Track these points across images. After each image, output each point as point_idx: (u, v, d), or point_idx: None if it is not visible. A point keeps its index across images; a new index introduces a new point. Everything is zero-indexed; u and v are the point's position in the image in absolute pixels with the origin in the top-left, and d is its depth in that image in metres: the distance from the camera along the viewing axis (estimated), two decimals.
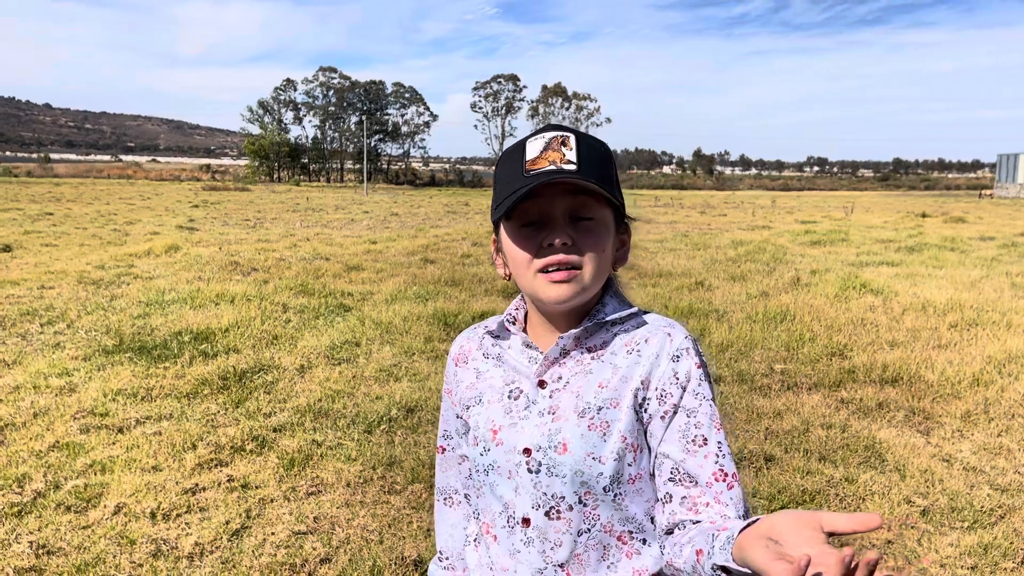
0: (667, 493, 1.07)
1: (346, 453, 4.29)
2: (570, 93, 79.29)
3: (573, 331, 1.12)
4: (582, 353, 1.14)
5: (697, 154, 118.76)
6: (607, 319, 1.12)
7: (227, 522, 3.44)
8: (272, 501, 3.70)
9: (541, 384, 1.15)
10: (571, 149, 1.07)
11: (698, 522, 1.04)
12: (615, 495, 1.09)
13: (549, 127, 1.11)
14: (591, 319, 1.12)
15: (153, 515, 3.50)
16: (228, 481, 3.90)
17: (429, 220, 28.08)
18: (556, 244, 1.06)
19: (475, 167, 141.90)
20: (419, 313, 7.73)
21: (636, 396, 1.09)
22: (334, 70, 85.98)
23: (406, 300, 8.68)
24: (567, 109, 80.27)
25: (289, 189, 61.61)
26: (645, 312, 1.17)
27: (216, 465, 4.13)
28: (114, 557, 3.11)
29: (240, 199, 41.87)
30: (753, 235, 18.99)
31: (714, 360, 6.07)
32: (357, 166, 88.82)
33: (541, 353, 1.16)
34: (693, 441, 1.05)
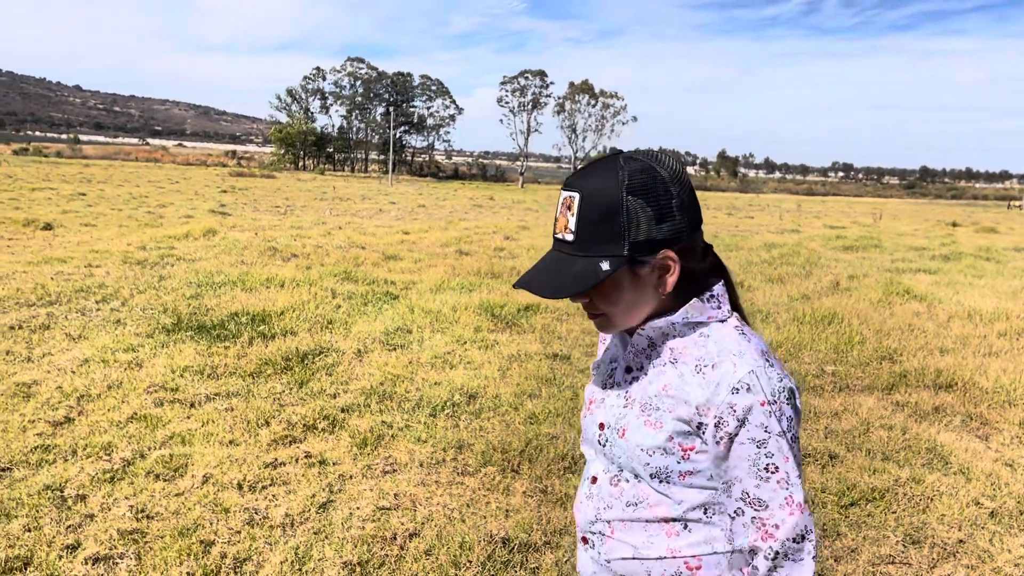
0: (738, 509, 1.18)
1: (415, 435, 4.40)
2: (597, 91, 79.10)
3: (651, 324, 1.22)
4: (665, 349, 1.23)
5: (722, 155, 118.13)
6: (678, 320, 1.20)
7: (312, 495, 3.56)
8: (351, 477, 3.81)
9: (628, 370, 1.29)
10: (573, 214, 1.16)
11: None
12: (661, 482, 1.20)
13: (570, 180, 1.19)
14: (664, 319, 1.21)
15: (240, 486, 3.63)
16: (306, 457, 4.02)
17: (456, 213, 28.18)
18: (577, 303, 1.24)
19: (497, 161, 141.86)
20: (466, 303, 7.83)
21: (694, 414, 1.16)
22: (362, 60, 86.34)
23: (451, 290, 8.79)
24: (593, 107, 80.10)
25: (314, 178, 61.96)
26: (724, 321, 1.21)
27: (291, 442, 4.25)
28: (211, 524, 3.24)
29: (267, 186, 42.20)
30: (783, 238, 18.96)
31: None
32: (381, 157, 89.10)
33: (630, 339, 1.29)
34: (766, 469, 1.13)
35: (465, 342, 6.57)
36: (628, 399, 1.26)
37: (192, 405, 4.78)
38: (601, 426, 1.29)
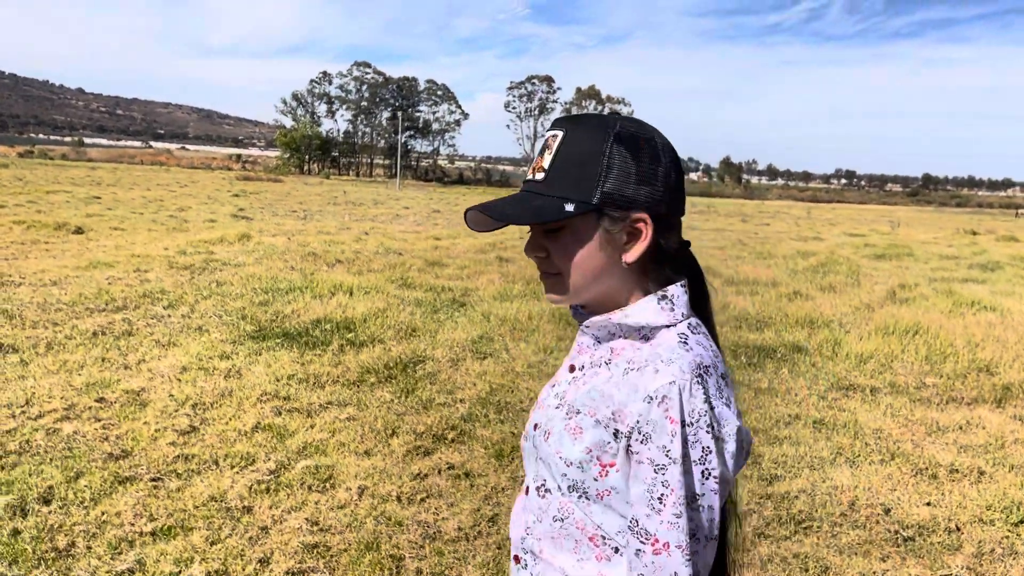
0: (627, 538, 1.05)
1: None
2: (603, 96, 79.24)
3: (590, 321, 1.12)
4: (606, 349, 1.12)
5: (726, 162, 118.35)
6: (616, 320, 1.08)
7: (477, 509, 3.53)
8: (503, 490, 3.78)
9: (571, 368, 1.18)
10: (551, 151, 1.06)
11: None
12: (580, 498, 1.09)
13: (558, 121, 1.10)
14: (605, 316, 1.10)
15: (399, 498, 3.60)
16: (448, 469, 3.99)
17: None
18: (528, 255, 1.11)
19: (501, 166, 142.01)
20: (538, 311, 7.82)
21: (610, 420, 1.04)
22: (368, 65, 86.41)
23: (516, 298, 8.77)
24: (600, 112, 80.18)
25: (321, 182, 61.91)
26: (671, 327, 1.07)
27: (425, 453, 4.22)
28: (389, 538, 3.21)
29: (277, 190, 42.15)
30: (810, 246, 18.95)
31: (857, 370, 6.11)
32: (387, 161, 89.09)
33: (581, 331, 1.18)
34: (660, 499, 0.99)
35: (551, 351, 6.55)
36: (562, 400, 1.14)
37: (309, 414, 4.75)
38: (536, 427, 1.18)
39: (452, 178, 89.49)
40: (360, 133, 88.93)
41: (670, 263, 1.11)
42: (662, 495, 0.98)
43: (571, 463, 1.07)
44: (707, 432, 0.98)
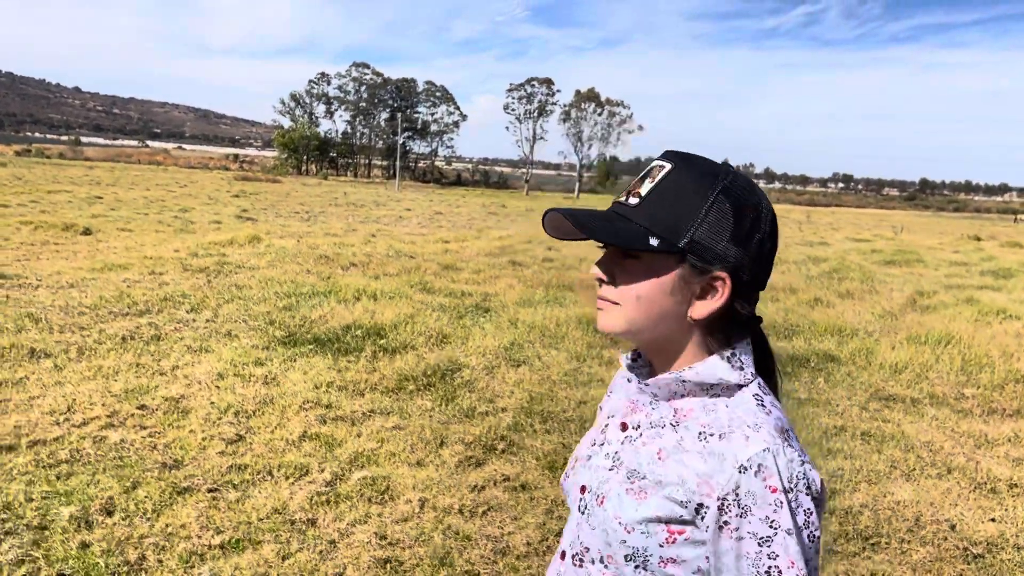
0: None
1: None
2: (603, 99, 79.29)
3: (655, 381, 1.05)
4: (667, 409, 1.05)
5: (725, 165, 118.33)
6: (687, 378, 1.02)
7: (543, 524, 3.49)
8: (563, 503, 3.75)
9: (623, 427, 1.11)
10: (652, 181, 1.02)
11: None
12: (637, 567, 1.01)
13: (669, 152, 1.05)
14: (673, 373, 1.04)
15: (461, 511, 3.57)
16: (504, 480, 3.96)
17: (474, 221, 28.15)
18: (592, 274, 1.06)
19: (497, 168, 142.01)
20: (564, 317, 7.78)
21: (691, 493, 0.97)
22: (367, 66, 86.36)
23: (540, 304, 8.74)
24: (599, 115, 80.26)
25: (319, 183, 61.79)
26: (743, 387, 1.02)
27: (477, 464, 4.18)
28: (460, 552, 3.17)
29: (276, 191, 42.04)
30: (817, 251, 18.96)
31: (892, 380, 6.10)
32: (384, 162, 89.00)
33: (634, 388, 1.12)
34: (767, 572, 0.94)
35: (584, 358, 6.52)
36: (616, 462, 1.07)
37: (353, 423, 4.71)
38: (583, 489, 1.11)
39: (450, 179, 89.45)
40: (358, 134, 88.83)
41: (736, 330, 1.05)
42: (770, 568, 0.93)
43: (632, 528, 1.00)
44: (806, 494, 0.94)
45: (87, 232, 15.20)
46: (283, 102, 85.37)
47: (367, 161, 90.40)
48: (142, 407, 4.77)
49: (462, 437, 4.50)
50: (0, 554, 2.89)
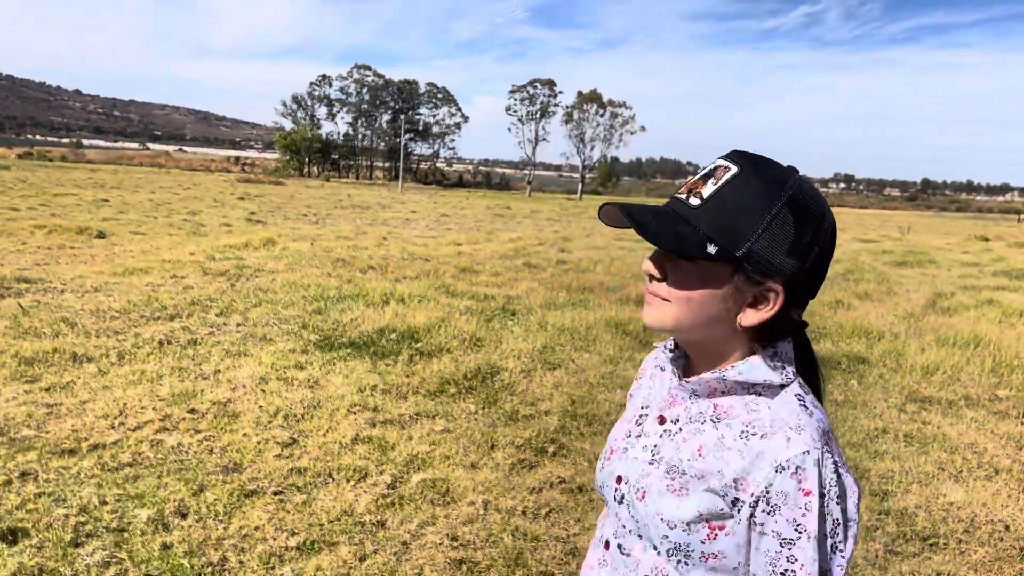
0: None
1: None
2: (605, 100, 79.38)
3: (697, 380, 1.06)
4: (708, 405, 1.06)
5: None
6: (730, 378, 1.03)
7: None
8: None
9: (660, 420, 1.11)
10: (716, 183, 1.00)
11: None
12: (680, 562, 1.03)
13: (735, 154, 1.04)
14: (716, 372, 1.04)
15: (524, 513, 3.62)
16: (561, 483, 4.02)
17: (481, 223, 28.18)
18: (644, 269, 1.06)
19: (497, 169, 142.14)
20: (592, 320, 7.84)
21: (729, 487, 0.99)
22: (369, 68, 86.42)
23: (566, 307, 8.79)
24: (602, 116, 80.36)
25: (322, 184, 61.84)
26: (785, 387, 1.02)
27: (531, 466, 4.24)
28: (532, 552, 3.23)
29: (280, 193, 42.08)
30: None
31: (925, 382, 6.15)
32: (386, 164, 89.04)
33: (674, 382, 1.13)
34: (783, 574, 0.95)
35: (617, 361, 6.58)
36: (656, 456, 1.08)
37: (402, 426, 4.77)
38: (619, 479, 1.12)
39: (452, 181, 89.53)
40: (360, 136, 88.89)
41: (781, 336, 1.05)
42: (786, 571, 0.94)
43: (675, 525, 1.01)
44: (838, 504, 0.94)
45: (101, 236, 15.24)
46: (285, 104, 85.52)
47: (369, 163, 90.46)
48: (192, 411, 4.82)
49: (512, 440, 4.56)
50: (86, 556, 2.95)
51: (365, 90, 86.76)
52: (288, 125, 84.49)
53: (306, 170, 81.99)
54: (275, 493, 3.68)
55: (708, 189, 1.00)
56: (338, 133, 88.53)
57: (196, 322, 7.31)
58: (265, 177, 63.10)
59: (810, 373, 1.09)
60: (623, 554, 1.10)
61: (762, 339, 1.05)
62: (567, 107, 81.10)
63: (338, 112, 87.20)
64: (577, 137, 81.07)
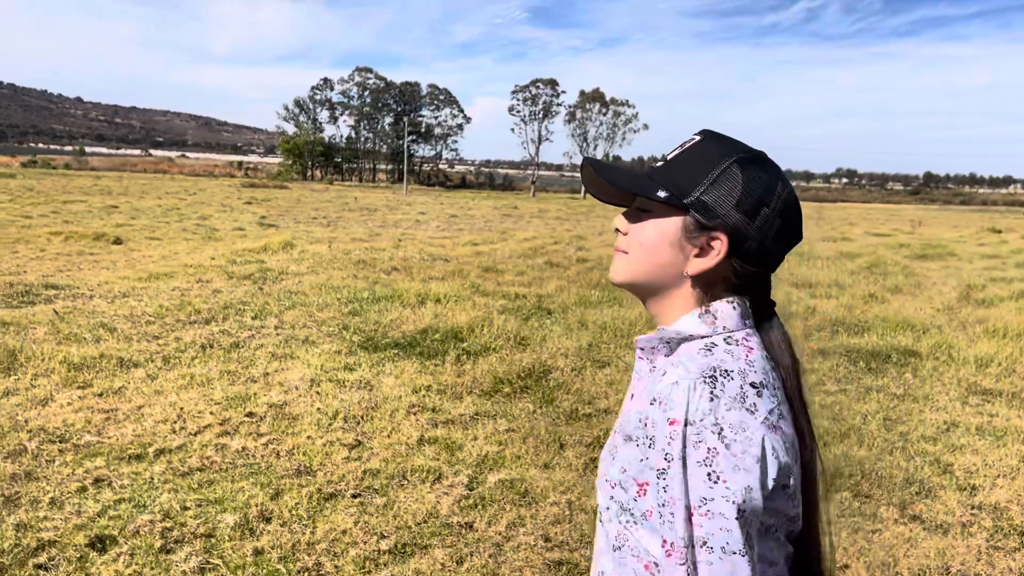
0: None
1: None
2: (608, 99, 79.32)
3: (643, 336, 1.09)
4: (649, 364, 1.08)
5: None
6: (668, 332, 1.05)
7: None
8: None
9: (632, 397, 1.11)
10: (681, 149, 1.08)
11: None
12: (626, 523, 1.01)
13: (705, 130, 1.12)
14: (657, 332, 1.07)
15: None
16: None
17: (491, 223, 28.13)
18: (614, 224, 1.14)
19: (500, 169, 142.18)
20: (634, 318, 7.77)
21: (640, 427, 0.98)
22: (370, 70, 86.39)
23: (602, 304, 8.72)
24: (604, 115, 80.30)
25: (326, 188, 61.85)
26: (706, 337, 1.02)
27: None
28: None
29: (286, 197, 42.05)
30: (843, 247, 18.92)
31: (981, 374, 6.07)
32: (389, 166, 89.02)
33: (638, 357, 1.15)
34: (662, 505, 0.94)
35: None
36: (615, 430, 1.09)
37: (465, 426, 4.70)
38: (603, 459, 1.14)
39: (455, 182, 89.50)
40: (363, 138, 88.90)
41: (727, 292, 1.06)
42: (664, 502, 0.93)
43: (614, 484, 1.03)
44: (713, 433, 0.90)
45: (118, 241, 15.20)
46: (287, 108, 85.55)
47: (372, 166, 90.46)
48: (249, 414, 4.75)
49: (579, 439, 4.49)
50: (180, 562, 2.88)
51: (367, 93, 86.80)
52: (291, 129, 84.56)
53: (309, 173, 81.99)
54: (354, 496, 3.61)
55: (673, 154, 1.09)
56: (340, 136, 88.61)
57: (233, 325, 7.25)
58: (269, 181, 63.13)
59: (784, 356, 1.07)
60: (600, 522, 1.12)
61: (708, 297, 1.06)
62: (570, 106, 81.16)
63: (340, 115, 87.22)
64: (580, 136, 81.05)
